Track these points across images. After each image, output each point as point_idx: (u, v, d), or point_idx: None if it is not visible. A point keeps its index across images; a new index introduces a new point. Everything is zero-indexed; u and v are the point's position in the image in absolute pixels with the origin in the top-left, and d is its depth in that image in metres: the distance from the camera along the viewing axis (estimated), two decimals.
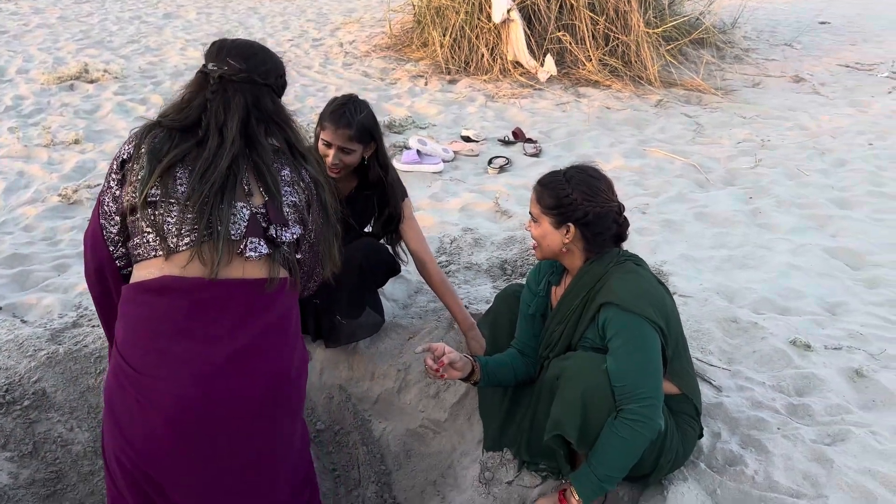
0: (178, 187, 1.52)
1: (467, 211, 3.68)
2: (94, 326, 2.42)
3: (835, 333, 2.66)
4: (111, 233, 1.63)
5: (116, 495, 1.56)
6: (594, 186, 1.89)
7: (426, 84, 6.09)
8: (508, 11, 6.13)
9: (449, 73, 6.32)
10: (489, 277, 2.98)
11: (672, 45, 6.48)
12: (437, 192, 3.88)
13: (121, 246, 1.64)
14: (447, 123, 5.09)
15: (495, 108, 5.50)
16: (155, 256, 1.52)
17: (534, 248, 1.98)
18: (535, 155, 4.43)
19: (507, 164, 4.22)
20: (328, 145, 2.25)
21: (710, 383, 2.36)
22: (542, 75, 6.18)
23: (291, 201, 1.63)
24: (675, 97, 5.95)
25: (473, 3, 6.44)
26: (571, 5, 6.35)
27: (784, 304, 2.87)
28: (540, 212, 1.90)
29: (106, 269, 1.67)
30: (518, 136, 4.68)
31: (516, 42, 6.26)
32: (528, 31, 6.29)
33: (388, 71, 6.43)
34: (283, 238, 1.61)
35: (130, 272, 1.62)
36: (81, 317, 2.48)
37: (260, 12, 9.12)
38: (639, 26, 6.28)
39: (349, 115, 2.27)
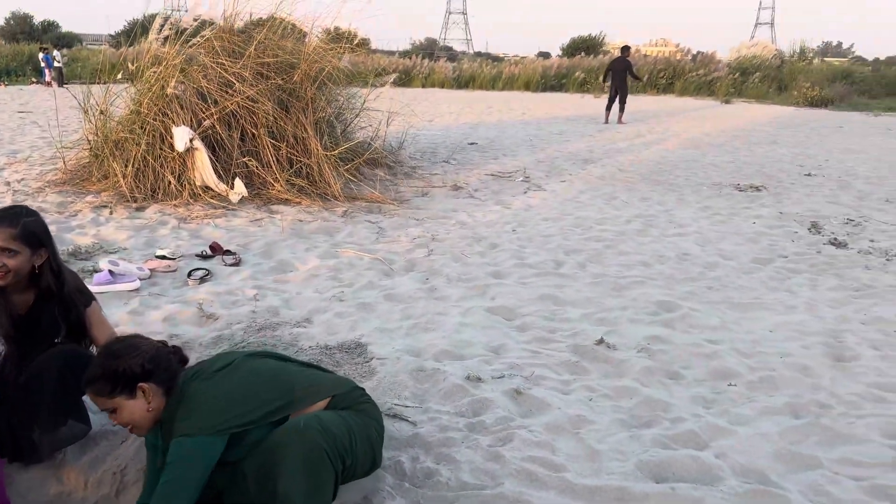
0: None
1: (171, 320, 3.74)
2: None
3: (498, 367, 3.27)
4: None
5: None
6: (125, 347, 2.01)
7: (111, 213, 5.99)
8: (191, 140, 6.40)
9: (136, 201, 6.29)
10: None
11: (350, 165, 7.28)
12: (137, 307, 3.88)
13: None
14: (139, 246, 5.08)
15: (189, 228, 5.63)
16: None
17: (133, 432, 2.06)
18: (236, 264, 4.65)
19: (207, 275, 4.38)
20: None
21: (407, 420, 2.76)
22: (234, 197, 6.48)
23: None
24: (358, 208, 6.66)
25: (154, 135, 6.58)
26: (253, 134, 6.85)
27: (459, 352, 3.45)
28: (105, 399, 1.97)
29: None
30: (216, 249, 4.87)
31: (202, 168, 6.51)
32: (214, 158, 6.60)
33: (66, 204, 6.19)
34: None
35: None
36: None
37: None
38: (318, 150, 6.99)
39: (14, 216, 2.29)
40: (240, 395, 2.04)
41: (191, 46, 6.85)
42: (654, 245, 5.54)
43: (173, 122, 6.53)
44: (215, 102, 6.69)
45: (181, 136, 6.35)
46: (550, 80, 31.88)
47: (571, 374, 3.26)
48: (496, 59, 52.66)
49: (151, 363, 1.99)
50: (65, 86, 22.95)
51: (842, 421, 2.82)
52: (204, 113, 6.65)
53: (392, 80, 8.47)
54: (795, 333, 3.76)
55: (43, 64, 25.89)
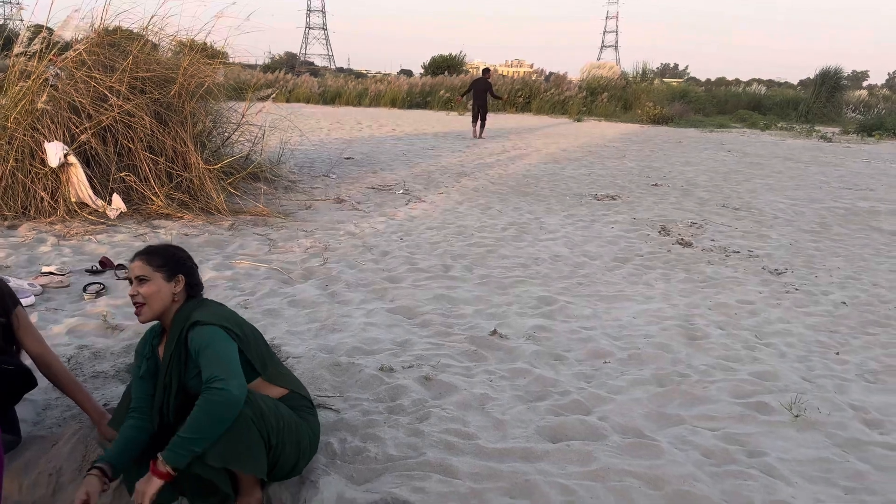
0: None
1: (75, 332, 3.73)
2: None
3: (406, 359, 3.59)
4: None
5: None
6: (179, 250, 2.47)
7: None
8: (65, 156, 6.21)
9: (6, 220, 6.01)
10: (118, 381, 3.16)
11: (232, 179, 7.31)
12: (37, 322, 3.82)
13: None
14: (21, 264, 4.92)
15: (71, 245, 5.49)
16: None
17: (138, 312, 2.32)
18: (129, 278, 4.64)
19: (102, 289, 4.35)
20: None
21: (331, 409, 3.00)
22: (112, 213, 6.35)
23: None
24: (244, 222, 6.73)
25: (23, 150, 6.32)
26: (130, 148, 6.74)
27: (368, 348, 3.72)
28: (152, 271, 2.31)
29: None
30: (106, 264, 4.82)
31: (78, 184, 6.33)
32: (89, 173, 6.43)
33: None
34: None
35: None
36: None
37: None
38: (198, 164, 6.98)
39: None
40: (248, 329, 2.39)
41: (62, 60, 6.62)
42: (530, 249, 6.08)
43: (44, 138, 6.31)
44: (89, 116, 6.53)
45: (54, 151, 6.15)
46: (416, 98, 32.64)
47: (471, 361, 3.63)
48: (359, 75, 53.03)
49: (192, 269, 2.42)
50: None
51: (698, 387, 3.39)
52: (78, 127, 6.46)
53: (273, 94, 8.54)
54: (655, 319, 4.37)
55: None
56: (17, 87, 6.54)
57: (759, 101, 32.47)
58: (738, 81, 52.67)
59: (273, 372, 2.45)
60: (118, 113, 6.57)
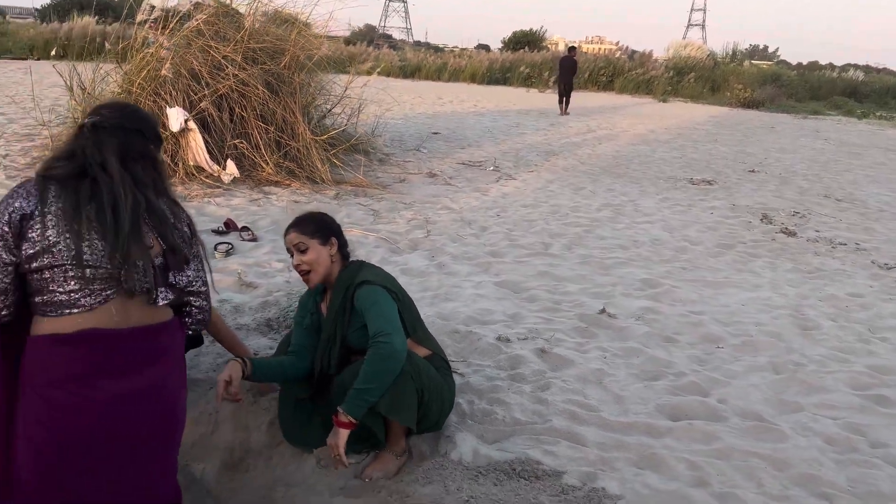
0: (94, 246, 1.65)
1: (214, 287, 4.02)
2: None
3: (520, 331, 3.72)
4: (4, 284, 1.66)
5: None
6: (325, 216, 2.65)
7: None
8: (186, 121, 6.57)
9: None
10: (259, 334, 3.41)
11: (335, 150, 7.57)
12: None
13: (11, 296, 1.69)
14: None
15: (193, 206, 5.84)
16: (69, 313, 1.66)
17: (306, 279, 2.52)
18: (253, 240, 4.93)
19: (230, 248, 4.65)
20: None
21: (456, 372, 3.17)
22: (226, 178, 6.69)
23: (178, 243, 1.82)
24: (346, 192, 6.97)
25: None
26: (243, 116, 7.05)
27: (482, 318, 3.87)
28: (308, 238, 2.50)
29: None
30: (230, 225, 5.13)
31: (196, 149, 6.69)
32: (207, 139, 6.79)
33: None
34: (181, 283, 1.87)
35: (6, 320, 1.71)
36: None
37: None
38: (305, 134, 7.25)
39: None
40: (403, 292, 2.58)
41: (183, 29, 6.97)
42: (627, 231, 6.10)
43: (166, 103, 6.68)
44: (207, 85, 6.86)
45: (176, 116, 6.51)
46: (495, 74, 32.45)
47: (583, 337, 3.74)
48: (437, 48, 52.99)
49: (340, 230, 2.63)
50: None
51: (814, 376, 3.39)
52: (196, 95, 6.81)
53: (378, 69, 8.73)
54: (764, 307, 4.35)
55: None
56: (141, 55, 6.93)
57: (855, 88, 30.88)
58: (831, 66, 50.03)
59: (421, 333, 2.62)
60: (233, 82, 6.88)
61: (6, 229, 1.64)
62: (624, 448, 2.66)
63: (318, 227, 2.55)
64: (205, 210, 5.77)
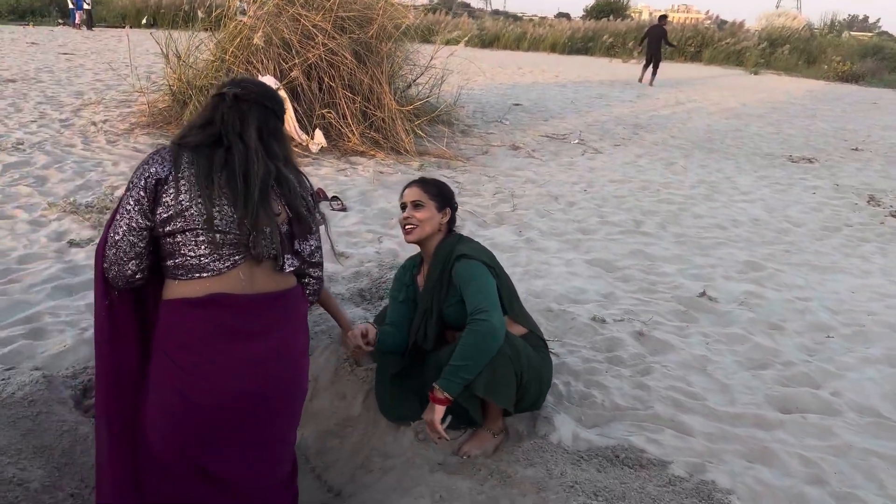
0: (223, 211, 1.69)
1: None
2: (7, 374, 2.38)
3: (615, 312, 3.60)
4: (139, 248, 1.70)
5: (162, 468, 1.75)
6: (448, 187, 2.59)
7: None
8: (277, 90, 6.63)
9: None
10: (353, 304, 3.42)
11: (419, 121, 7.52)
12: None
13: (145, 259, 1.73)
14: None
15: None
16: (199, 276, 1.70)
17: (408, 233, 2.49)
18: (343, 210, 4.96)
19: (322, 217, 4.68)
20: None
21: (552, 352, 3.09)
22: (314, 147, 6.76)
23: (304, 213, 1.88)
24: (429, 163, 6.93)
25: None
26: (331, 86, 7.08)
27: (575, 297, 3.77)
28: (428, 198, 2.48)
29: (120, 281, 1.74)
30: (320, 195, 5.18)
31: (286, 118, 6.75)
32: (297, 108, 6.86)
33: (158, 146, 6.46)
34: (305, 251, 1.91)
35: (139, 284, 1.77)
36: None
37: None
38: (391, 105, 7.23)
39: None
40: (503, 269, 2.52)
41: None
42: (725, 210, 5.83)
43: (258, 71, 6.77)
44: (297, 53, 6.91)
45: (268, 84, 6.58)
46: (577, 43, 31.61)
47: (682, 321, 3.59)
48: (515, 18, 52.03)
49: (457, 207, 2.59)
50: (93, 28, 22.96)
51: None
52: (287, 63, 6.87)
53: (466, 38, 8.61)
54: (876, 295, 4.08)
55: (72, 5, 25.75)
56: (234, 23, 7.04)
57: None
58: None
59: (518, 311, 2.55)
60: (323, 50, 6.90)
61: (142, 194, 1.69)
62: (732, 440, 2.53)
63: (440, 192, 2.52)
64: None
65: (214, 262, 1.70)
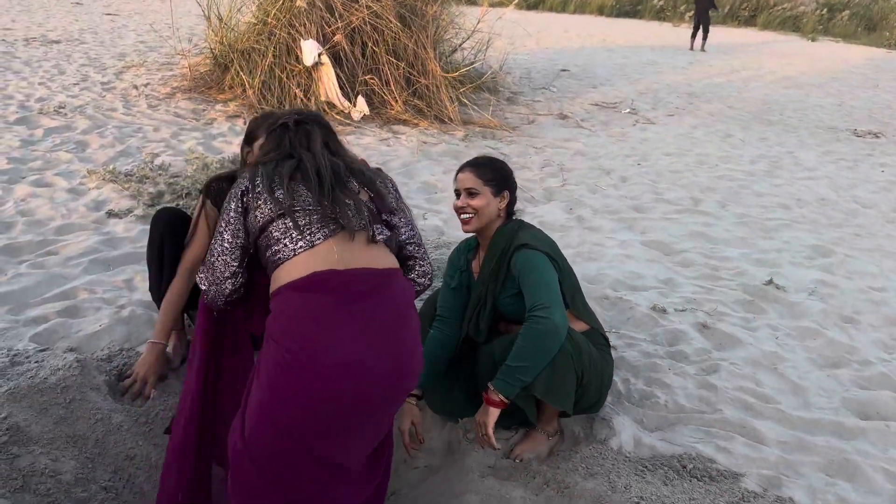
0: (303, 194, 1.78)
1: None
2: (41, 356, 2.30)
3: (676, 301, 3.38)
4: (233, 267, 1.85)
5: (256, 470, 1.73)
6: (506, 165, 2.39)
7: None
8: (319, 55, 6.45)
9: None
10: None
11: (464, 88, 7.26)
12: None
13: (241, 277, 1.87)
14: None
15: None
16: (295, 255, 1.73)
17: (465, 223, 2.30)
18: None
19: None
20: None
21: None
22: (356, 115, 6.57)
23: (382, 189, 1.92)
24: (473, 133, 6.69)
25: (280, 46, 6.65)
26: (374, 51, 6.86)
27: (632, 283, 3.56)
28: (482, 184, 2.27)
29: (219, 300, 1.90)
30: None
31: (328, 83, 6.58)
32: (339, 73, 6.66)
33: (199, 112, 6.35)
34: (394, 222, 1.89)
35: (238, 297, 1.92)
36: (16, 355, 2.31)
37: (20, 57, 8.32)
38: (436, 72, 6.97)
39: None
40: (565, 261, 2.35)
41: None
42: (788, 188, 5.50)
43: (300, 35, 6.57)
44: (340, 17, 6.69)
45: (310, 49, 6.40)
46: (625, 6, 30.56)
47: (748, 311, 3.35)
48: None
49: (516, 187, 2.39)
50: None
51: None
52: (330, 27, 6.66)
53: (515, 0, 8.27)
54: None
55: None
56: None
57: None
58: None
59: (580, 305, 2.36)
60: (366, 13, 6.66)
61: (233, 215, 1.83)
62: (810, 450, 2.32)
63: (496, 175, 2.31)
64: None
65: (306, 236, 1.74)
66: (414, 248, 2.00)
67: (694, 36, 16.63)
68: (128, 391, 2.33)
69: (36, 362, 2.31)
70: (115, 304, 2.85)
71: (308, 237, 1.73)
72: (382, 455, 1.94)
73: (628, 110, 8.40)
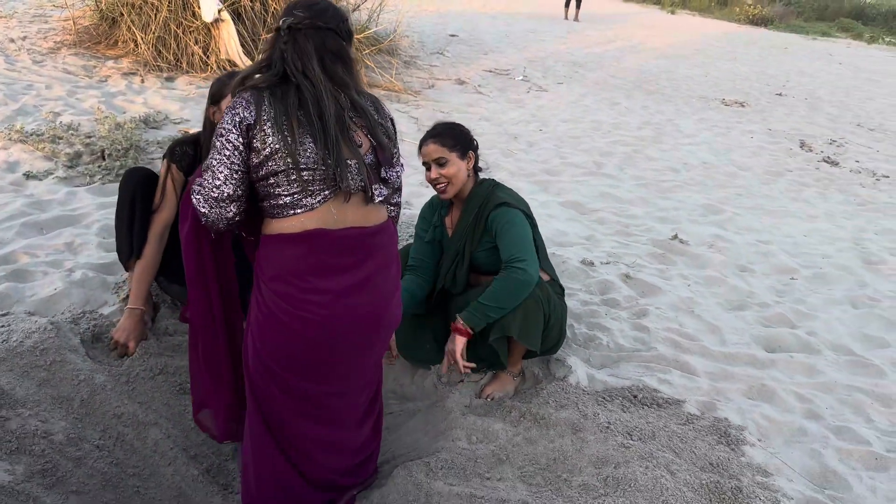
0: (307, 150, 1.69)
1: None
2: (5, 320, 2.22)
3: (600, 255, 3.71)
4: (240, 192, 1.73)
5: (262, 387, 1.85)
6: (462, 127, 2.51)
7: (143, 81, 5.85)
8: (219, 11, 6.22)
9: (162, 71, 6.14)
10: None
11: (369, 50, 7.26)
12: None
13: (244, 202, 1.76)
14: (198, 117, 5.08)
15: None
16: (294, 213, 1.73)
17: (443, 192, 2.44)
18: None
19: None
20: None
21: None
22: None
23: (385, 140, 1.84)
24: (378, 97, 6.72)
25: (176, 1, 6.34)
26: (276, 8, 6.69)
27: (559, 240, 3.85)
28: (448, 151, 2.39)
29: (221, 224, 1.78)
30: None
31: (229, 41, 6.37)
32: (240, 30, 6.46)
33: (90, 69, 5.96)
34: (391, 177, 1.88)
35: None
36: None
37: None
38: None
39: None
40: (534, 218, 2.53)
41: None
42: (674, 153, 6.03)
43: None
44: None
45: (209, 5, 6.15)
46: None
47: (662, 263, 3.74)
48: None
49: (477, 145, 2.50)
50: None
51: (891, 311, 3.45)
52: None
53: None
54: (826, 239, 4.38)
55: None
56: None
57: (861, 10, 30.13)
58: None
59: (543, 259, 2.59)
60: None
61: (241, 140, 1.69)
62: (733, 379, 2.71)
63: (458, 139, 2.43)
64: None
65: (306, 198, 1.73)
66: (398, 187, 2.05)
67: (567, 4, 17.30)
68: (114, 349, 2.36)
69: (3, 326, 2.24)
70: (63, 268, 2.76)
71: (308, 198, 1.71)
72: (373, 414, 2.09)
73: (521, 78, 8.73)
